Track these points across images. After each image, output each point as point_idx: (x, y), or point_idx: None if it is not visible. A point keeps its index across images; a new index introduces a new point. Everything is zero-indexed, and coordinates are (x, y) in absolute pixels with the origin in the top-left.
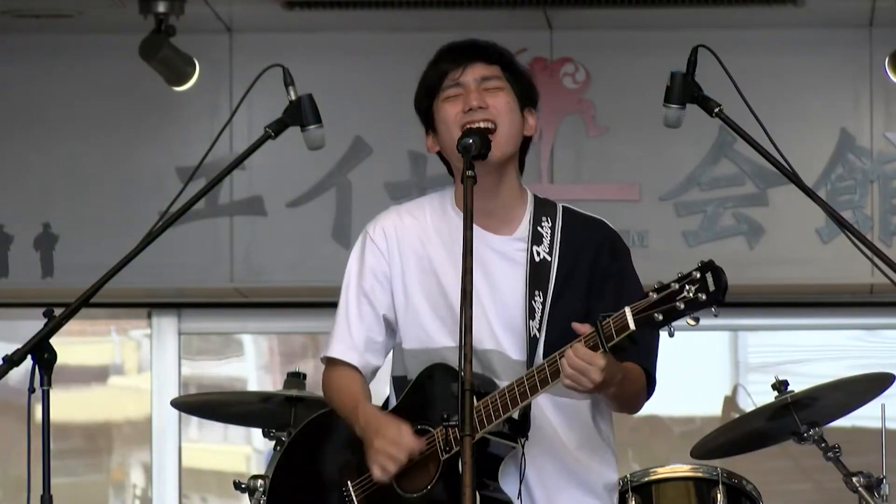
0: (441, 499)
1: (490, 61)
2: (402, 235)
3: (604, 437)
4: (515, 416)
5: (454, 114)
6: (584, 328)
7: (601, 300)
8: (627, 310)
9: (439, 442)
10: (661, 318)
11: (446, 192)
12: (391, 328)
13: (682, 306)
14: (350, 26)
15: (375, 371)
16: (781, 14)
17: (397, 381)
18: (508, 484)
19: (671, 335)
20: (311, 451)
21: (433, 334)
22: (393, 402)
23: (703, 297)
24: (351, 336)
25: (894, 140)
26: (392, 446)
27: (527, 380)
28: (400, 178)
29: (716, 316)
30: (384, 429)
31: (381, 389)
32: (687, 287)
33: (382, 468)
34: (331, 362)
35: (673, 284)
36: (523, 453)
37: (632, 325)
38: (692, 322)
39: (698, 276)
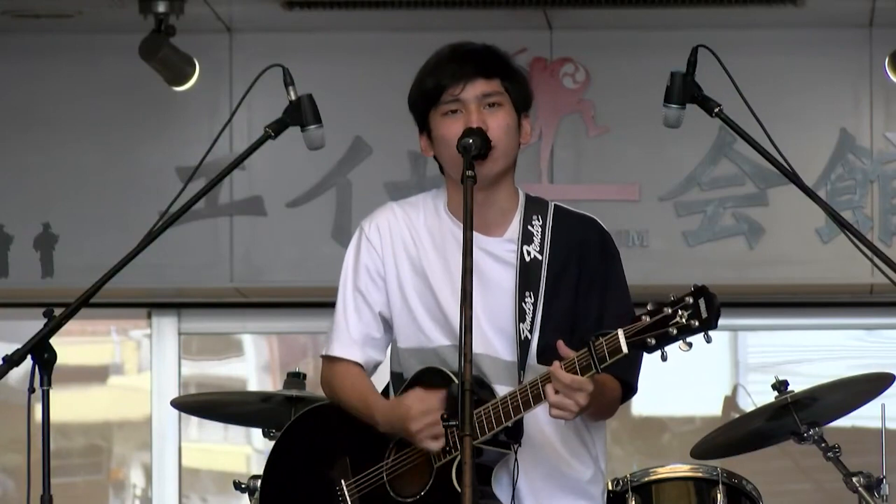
0: None
1: (490, 75)
2: (396, 232)
3: (586, 443)
4: (509, 423)
5: (455, 135)
6: (568, 352)
7: (585, 304)
8: (621, 332)
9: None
10: (653, 342)
11: (440, 194)
12: (388, 324)
13: (675, 332)
14: (350, 26)
15: (377, 366)
16: (781, 14)
17: (395, 377)
18: (501, 490)
19: (664, 359)
20: (302, 448)
21: (429, 333)
22: (392, 397)
23: (696, 323)
24: (349, 333)
25: (894, 140)
26: (429, 424)
27: (520, 393)
28: (400, 178)
29: (708, 342)
30: (408, 410)
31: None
32: (680, 312)
33: (437, 443)
34: (331, 360)
35: (666, 309)
36: (516, 459)
37: (625, 349)
38: (684, 348)
39: (691, 301)
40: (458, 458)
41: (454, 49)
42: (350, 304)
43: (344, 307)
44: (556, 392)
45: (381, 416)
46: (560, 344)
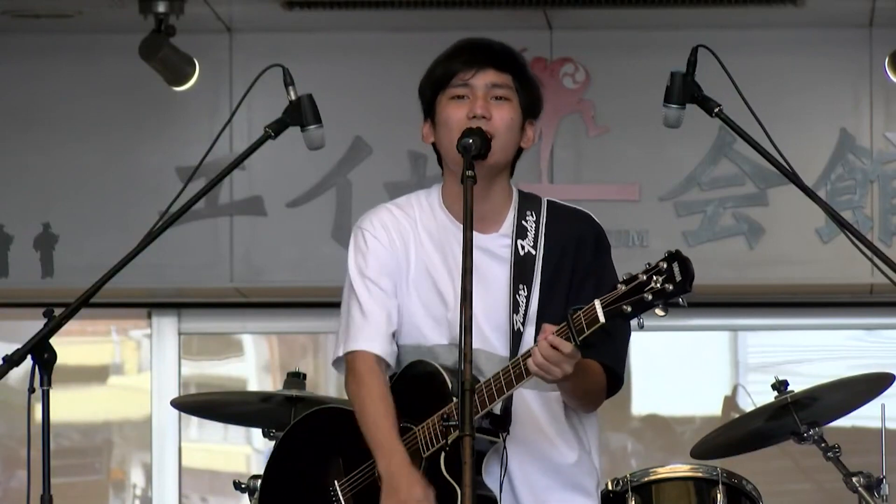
0: None
1: (502, 68)
2: (395, 229)
3: (574, 426)
4: (496, 410)
5: (458, 118)
6: (550, 328)
7: (579, 297)
8: (597, 302)
9: (420, 440)
10: (629, 309)
11: (433, 191)
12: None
13: (650, 297)
14: (350, 26)
15: (396, 357)
16: (781, 14)
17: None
18: (491, 479)
19: (641, 327)
20: (300, 450)
21: (425, 331)
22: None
23: (671, 287)
24: (369, 324)
25: (894, 140)
26: None
27: (503, 375)
28: (400, 178)
29: (684, 307)
30: (410, 489)
31: None
32: (654, 278)
33: None
34: (353, 358)
35: (640, 276)
36: (505, 447)
37: (602, 318)
38: (660, 313)
39: (665, 266)
40: (448, 447)
41: (470, 39)
42: (365, 295)
43: (359, 300)
44: (542, 357)
45: (394, 463)
46: (545, 326)
